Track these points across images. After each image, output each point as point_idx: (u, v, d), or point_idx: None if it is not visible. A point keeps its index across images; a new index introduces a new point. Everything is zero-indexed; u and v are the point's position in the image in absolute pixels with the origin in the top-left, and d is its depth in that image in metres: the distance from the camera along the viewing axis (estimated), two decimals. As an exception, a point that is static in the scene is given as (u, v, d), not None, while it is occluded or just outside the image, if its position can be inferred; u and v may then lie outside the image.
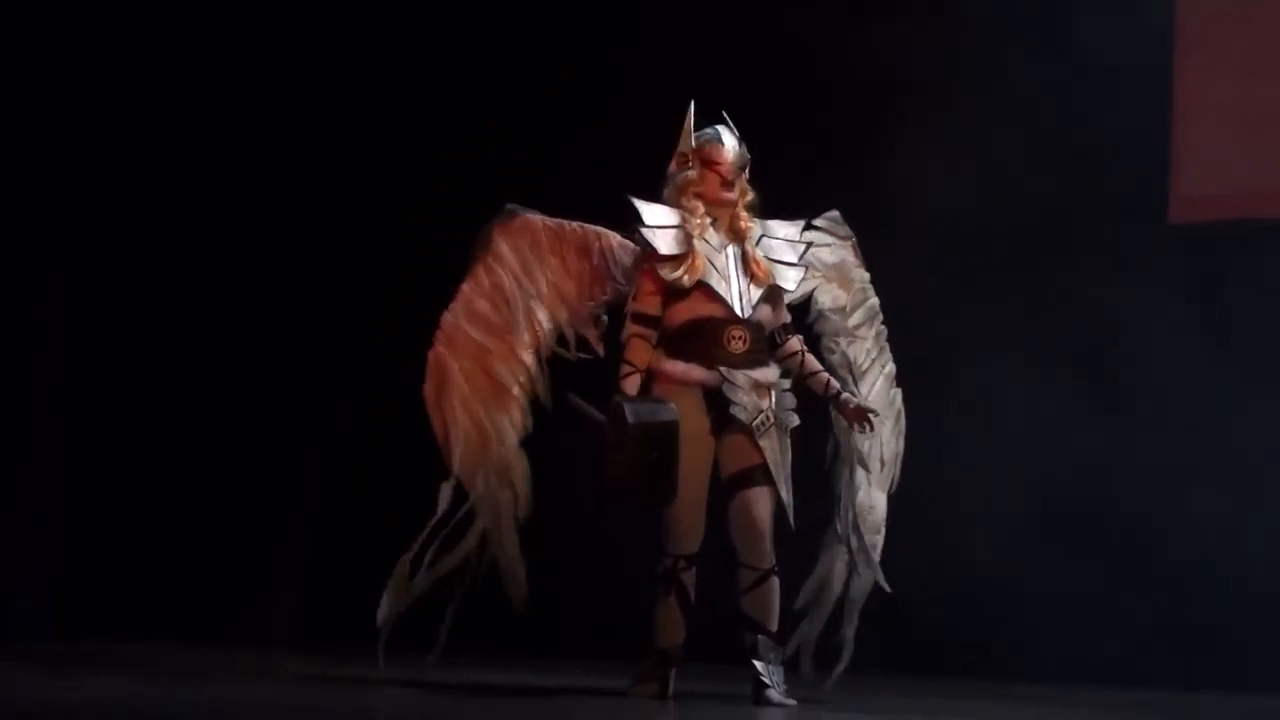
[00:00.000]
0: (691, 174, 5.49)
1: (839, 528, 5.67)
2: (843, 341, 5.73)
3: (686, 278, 5.36)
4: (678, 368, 5.38)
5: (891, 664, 6.95)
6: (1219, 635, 7.03)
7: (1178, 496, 7.07)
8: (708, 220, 5.46)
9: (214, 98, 8.44)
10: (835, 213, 5.86)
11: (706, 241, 5.43)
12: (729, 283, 5.40)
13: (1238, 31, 7.59)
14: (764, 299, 5.43)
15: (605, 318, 5.65)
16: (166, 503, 8.21)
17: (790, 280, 5.51)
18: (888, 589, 5.63)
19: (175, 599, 8.09)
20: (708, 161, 5.47)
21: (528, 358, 5.55)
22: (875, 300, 5.81)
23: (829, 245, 5.77)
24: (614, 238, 5.64)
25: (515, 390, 5.54)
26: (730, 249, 5.44)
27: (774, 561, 5.35)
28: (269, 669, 6.33)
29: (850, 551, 5.62)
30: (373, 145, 8.56)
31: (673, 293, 5.39)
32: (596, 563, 7.34)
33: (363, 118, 8.60)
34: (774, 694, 5.26)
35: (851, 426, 5.49)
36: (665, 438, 5.18)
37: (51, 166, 8.10)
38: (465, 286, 5.63)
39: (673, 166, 5.56)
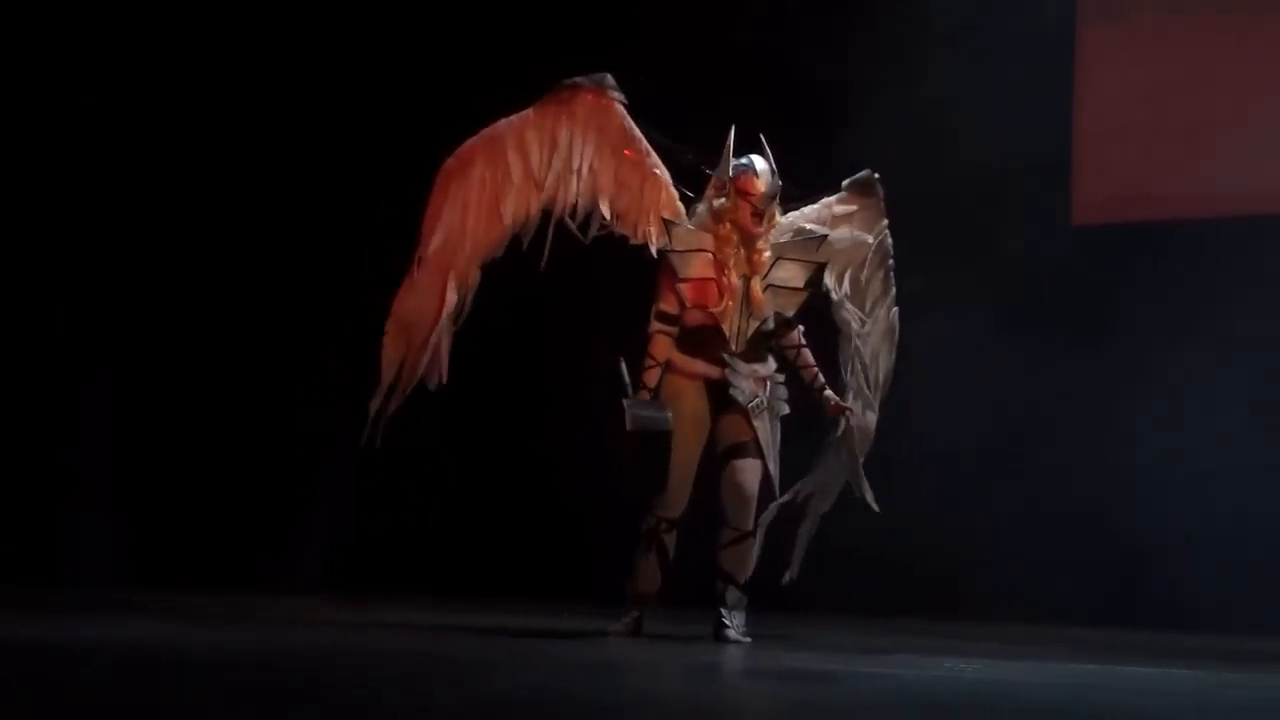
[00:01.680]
0: (725, 202, 5.68)
1: (834, 441, 5.94)
2: (847, 303, 5.87)
3: (697, 300, 5.64)
4: (686, 361, 5.71)
5: (848, 605, 7.48)
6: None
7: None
8: (735, 250, 5.64)
9: (228, 102, 8.71)
10: (866, 173, 5.94)
11: (726, 275, 5.64)
12: (732, 315, 5.66)
13: (1137, 45, 7.97)
14: (763, 322, 5.71)
15: (610, 228, 5.71)
16: (211, 468, 8.59)
17: (791, 307, 5.76)
18: (875, 508, 5.96)
19: (220, 551, 8.45)
20: (742, 191, 5.66)
21: (534, 208, 5.68)
22: (889, 243, 5.95)
23: (848, 215, 5.86)
24: (666, 189, 5.71)
25: (507, 223, 5.69)
26: (741, 283, 5.66)
27: (753, 526, 5.74)
28: (301, 614, 6.66)
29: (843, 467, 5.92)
30: (400, 151, 8.61)
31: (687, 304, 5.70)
32: (596, 516, 7.57)
33: (385, 128, 8.78)
34: (732, 633, 5.69)
35: (832, 419, 5.80)
36: (658, 441, 5.55)
37: (105, 172, 8.54)
38: (530, 114, 5.73)
39: (710, 190, 5.72)
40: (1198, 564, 7.33)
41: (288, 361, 8.67)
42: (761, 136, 5.74)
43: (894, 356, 6.02)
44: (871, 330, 5.96)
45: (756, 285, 5.69)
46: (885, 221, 5.95)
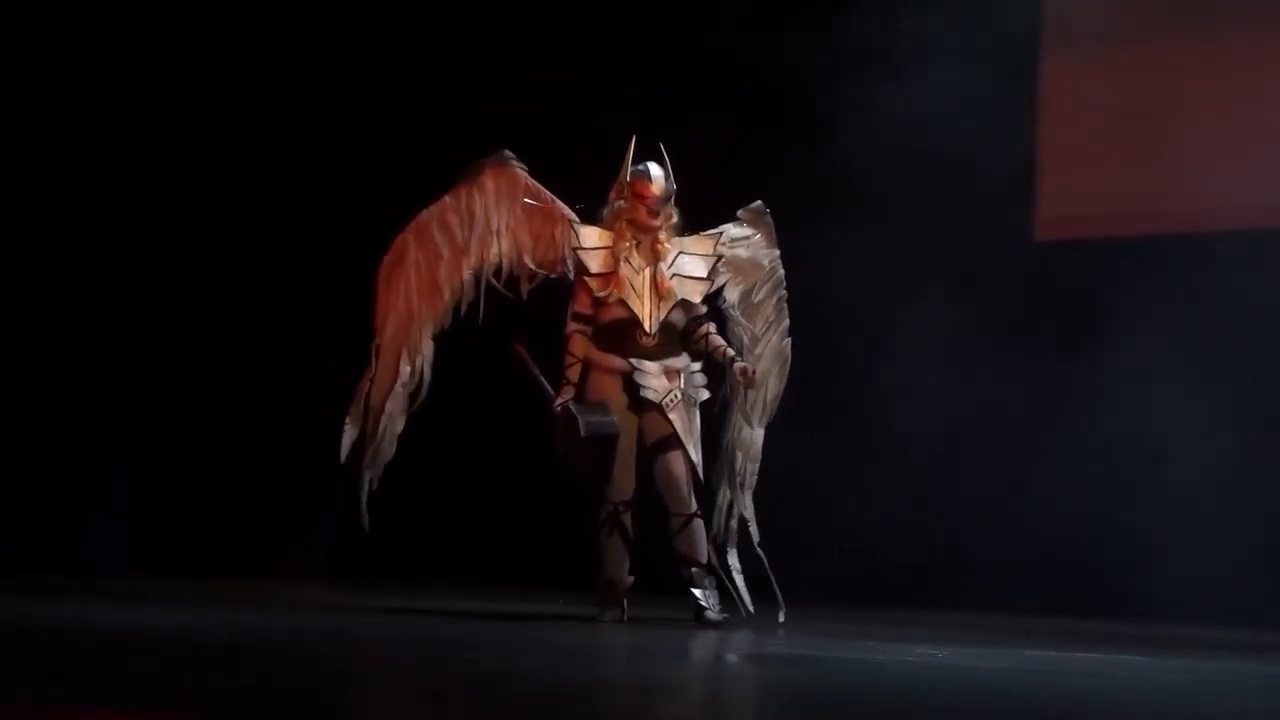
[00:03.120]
0: (623, 204, 6.09)
1: (724, 465, 6.33)
2: (744, 320, 6.30)
3: (610, 294, 6.02)
4: (603, 357, 6.06)
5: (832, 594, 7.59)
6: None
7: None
8: (633, 244, 6.05)
9: (227, 103, 8.78)
10: (758, 203, 6.36)
11: (629, 263, 6.03)
12: (642, 301, 6.03)
13: (1098, 69, 8.10)
14: (673, 308, 6.06)
15: (537, 277, 6.18)
16: (220, 463, 8.72)
17: (696, 295, 6.13)
18: (748, 517, 6.27)
19: (228, 541, 8.59)
20: (636, 194, 6.06)
21: (467, 275, 6.19)
22: (781, 273, 6.36)
23: (745, 238, 6.29)
24: (574, 225, 6.16)
25: (446, 295, 6.21)
26: (647, 271, 6.03)
27: (695, 507, 6.06)
28: (308, 600, 6.81)
29: (731, 484, 6.30)
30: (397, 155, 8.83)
31: (600, 299, 6.06)
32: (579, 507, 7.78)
33: (385, 128, 8.88)
34: (710, 614, 5.93)
35: (738, 383, 6.11)
36: (609, 444, 5.96)
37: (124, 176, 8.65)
38: (447, 199, 6.23)
39: (612, 193, 6.14)
40: (1154, 557, 7.46)
41: (290, 360, 8.76)
42: (660, 145, 6.10)
43: (783, 382, 6.36)
44: (763, 352, 6.31)
45: (663, 271, 6.03)
46: (777, 252, 6.33)
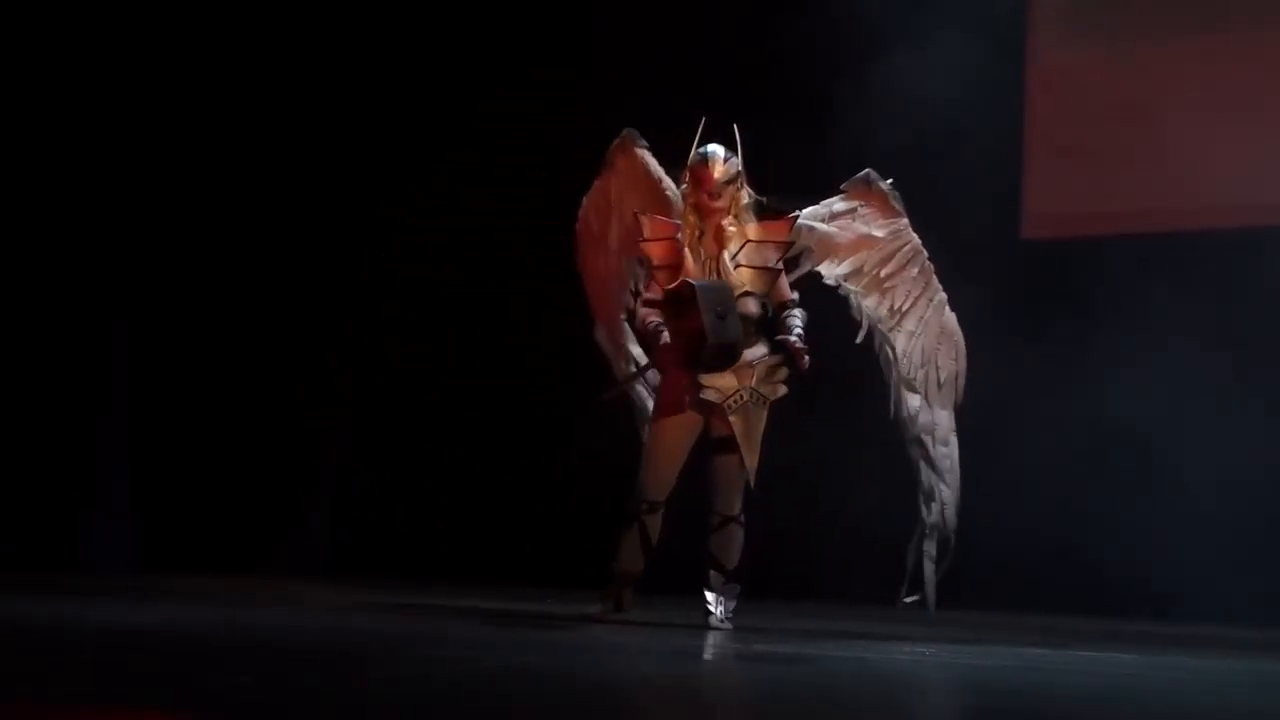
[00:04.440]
0: (686, 188, 5.79)
1: (912, 446, 6.05)
2: (865, 295, 5.97)
3: (671, 282, 5.65)
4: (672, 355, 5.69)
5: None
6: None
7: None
8: (698, 233, 5.71)
9: (227, 105, 8.76)
10: (867, 172, 6.01)
11: (695, 254, 5.70)
12: None
13: (1086, 67, 8.10)
14: (739, 299, 5.66)
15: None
16: (219, 461, 8.71)
17: (760, 286, 5.71)
18: (951, 524, 6.00)
19: (228, 539, 8.58)
20: (695, 178, 5.73)
21: (622, 265, 6.13)
22: (910, 243, 6.00)
23: (849, 211, 5.95)
24: (642, 218, 5.81)
25: (615, 286, 6.16)
26: (709, 261, 5.70)
27: (738, 512, 5.79)
28: (305, 598, 6.77)
29: (931, 473, 6.00)
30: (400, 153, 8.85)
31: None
32: (594, 503, 7.56)
33: (386, 128, 8.85)
34: (713, 619, 5.76)
35: (796, 363, 5.68)
36: (726, 298, 5.57)
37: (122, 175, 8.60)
38: (596, 183, 6.12)
39: (679, 180, 5.85)
40: (1150, 555, 7.48)
41: (290, 359, 8.76)
42: (735, 126, 5.79)
43: (960, 360, 6.07)
44: (918, 330, 6.03)
45: (724, 260, 5.73)
46: (904, 220, 6.01)
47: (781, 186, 6.18)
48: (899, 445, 7.71)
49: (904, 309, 6.00)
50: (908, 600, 5.84)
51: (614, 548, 5.90)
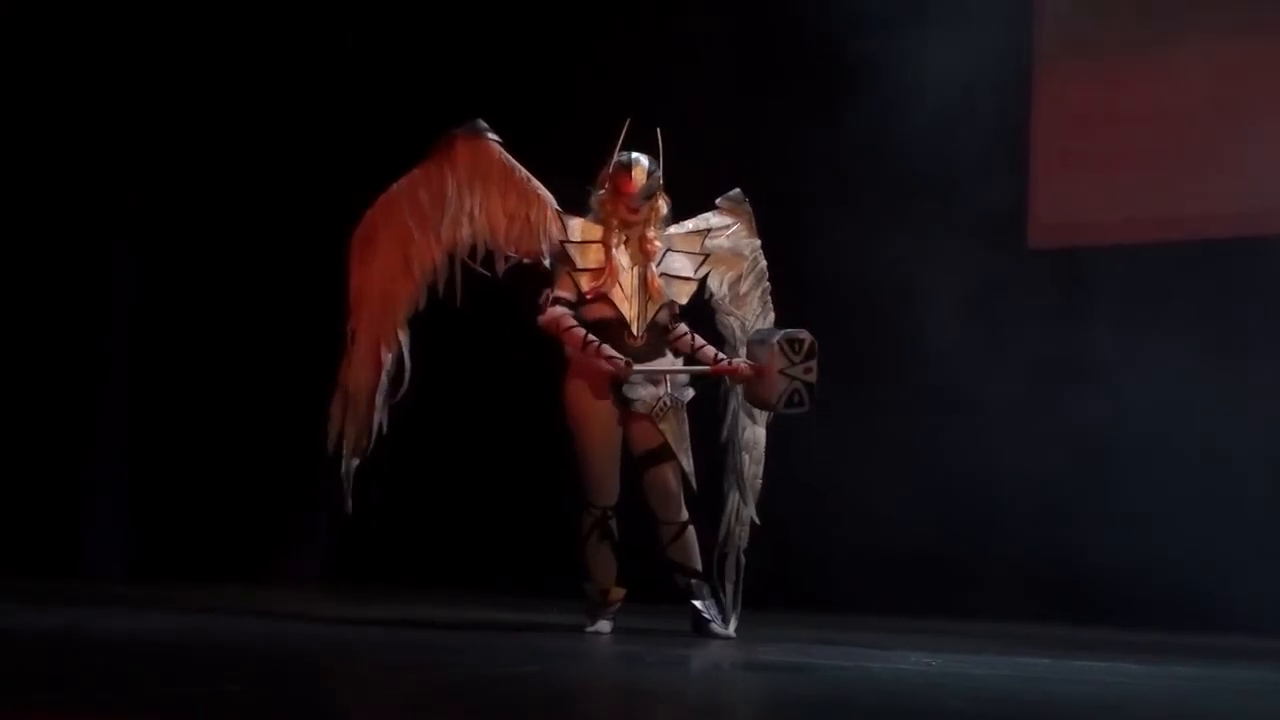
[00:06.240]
0: (604, 195, 5.76)
1: (731, 464, 5.95)
2: (733, 309, 6.00)
3: (595, 288, 5.67)
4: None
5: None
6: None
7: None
8: (622, 239, 5.70)
9: (227, 106, 8.73)
10: (736, 191, 6.04)
11: (619, 259, 5.69)
12: (630, 301, 5.71)
13: (1091, 76, 8.09)
14: (660, 309, 5.74)
15: (510, 257, 5.76)
16: (214, 471, 8.68)
17: (683, 296, 5.80)
18: (757, 521, 5.95)
19: (224, 548, 8.54)
20: (616, 188, 5.70)
21: (438, 256, 5.73)
22: (763, 264, 6.04)
23: (725, 227, 5.96)
24: (550, 207, 5.76)
25: (417, 276, 5.73)
26: (636, 270, 5.71)
27: (687, 515, 5.79)
28: (300, 606, 6.72)
29: (739, 488, 5.93)
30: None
31: (585, 296, 5.71)
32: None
33: (386, 128, 8.60)
34: (715, 627, 5.72)
35: (743, 376, 5.73)
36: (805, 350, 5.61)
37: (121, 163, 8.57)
38: (417, 172, 5.78)
39: (597, 182, 5.79)
40: (1153, 564, 7.44)
41: (287, 366, 8.65)
42: (658, 131, 5.76)
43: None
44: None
45: (652, 270, 5.73)
46: (757, 241, 6.04)
47: (785, 199, 6.15)
48: (906, 454, 7.66)
49: (751, 325, 6.03)
50: (716, 629, 5.75)
51: (582, 568, 5.84)
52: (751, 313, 6.06)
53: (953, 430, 7.90)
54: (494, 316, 6.75)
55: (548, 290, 5.77)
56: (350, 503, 5.82)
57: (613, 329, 5.74)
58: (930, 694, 4.13)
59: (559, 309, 5.73)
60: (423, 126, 6.04)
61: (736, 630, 5.84)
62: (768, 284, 6.10)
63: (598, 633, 5.79)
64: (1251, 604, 7.22)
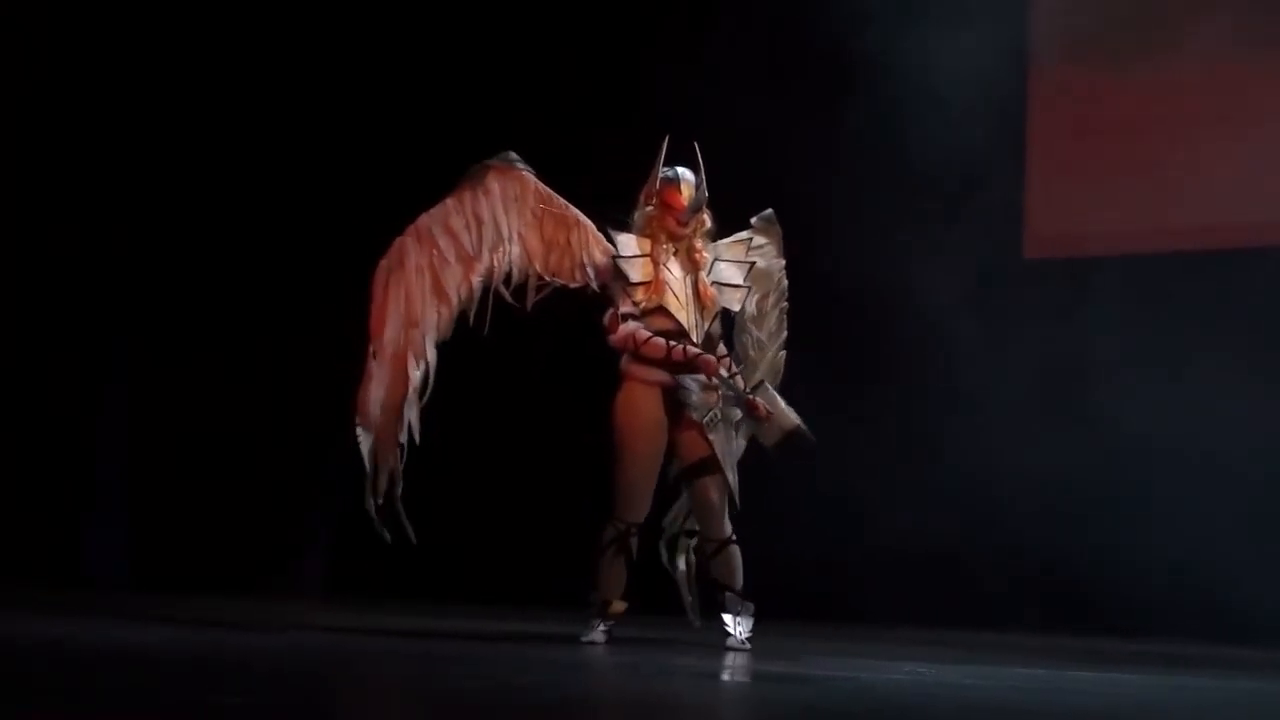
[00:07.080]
0: (652, 211, 5.82)
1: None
2: (751, 326, 6.08)
3: (651, 302, 5.69)
4: (643, 369, 5.71)
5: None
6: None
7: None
8: (671, 251, 5.75)
9: (228, 106, 8.79)
10: (769, 211, 6.13)
11: (669, 270, 5.74)
12: (686, 311, 5.73)
13: (1085, 88, 8.12)
14: (714, 318, 5.80)
15: (547, 286, 5.78)
16: (216, 480, 8.72)
17: (735, 302, 5.90)
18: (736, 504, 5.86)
19: (225, 557, 8.58)
20: (665, 203, 5.77)
21: (475, 282, 5.71)
22: (785, 284, 6.16)
23: (760, 247, 6.04)
24: (591, 230, 5.81)
25: (454, 302, 5.70)
26: (688, 279, 5.75)
27: (730, 532, 5.75)
28: (300, 616, 6.75)
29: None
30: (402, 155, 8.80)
31: (642, 309, 5.72)
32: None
33: (387, 128, 8.87)
34: (733, 640, 5.70)
35: (750, 412, 5.78)
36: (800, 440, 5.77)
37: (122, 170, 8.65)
38: (449, 201, 5.75)
39: (642, 197, 5.84)
40: (1147, 574, 7.48)
41: (288, 372, 8.72)
42: (696, 145, 5.81)
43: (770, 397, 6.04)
44: (760, 363, 6.08)
45: (703, 279, 5.78)
46: (783, 262, 6.13)
47: (787, 211, 6.16)
48: (921, 465, 7.64)
49: (763, 342, 6.11)
50: (732, 642, 5.75)
51: (593, 576, 5.81)
52: (768, 330, 6.13)
53: (955, 434, 7.91)
54: (495, 330, 6.75)
55: (611, 310, 5.78)
56: (389, 535, 5.76)
57: (672, 339, 5.75)
58: (928, 705, 4.14)
59: (631, 324, 5.74)
60: (429, 157, 6.08)
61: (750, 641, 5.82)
62: (786, 303, 6.18)
63: (593, 642, 5.77)
64: (1252, 616, 7.27)
